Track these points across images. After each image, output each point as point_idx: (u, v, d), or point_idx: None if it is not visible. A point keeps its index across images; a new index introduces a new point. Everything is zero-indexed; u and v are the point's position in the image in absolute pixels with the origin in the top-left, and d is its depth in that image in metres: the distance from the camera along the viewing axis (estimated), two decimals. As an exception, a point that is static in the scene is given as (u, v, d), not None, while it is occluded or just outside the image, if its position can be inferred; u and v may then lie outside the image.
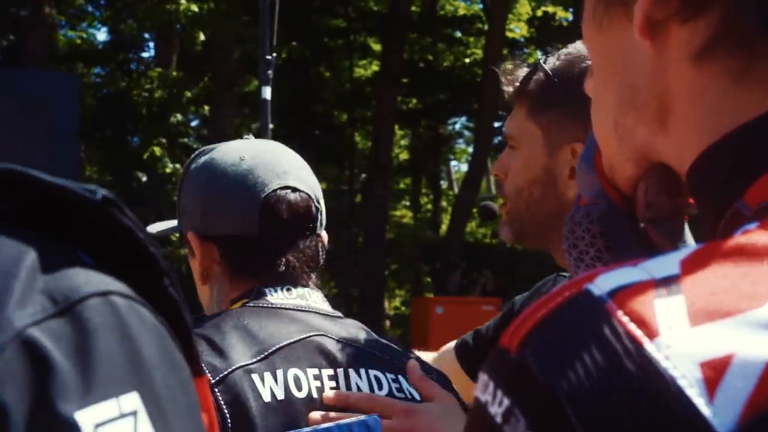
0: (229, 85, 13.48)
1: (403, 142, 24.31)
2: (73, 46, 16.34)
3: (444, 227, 20.81)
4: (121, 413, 0.54)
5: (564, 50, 1.57)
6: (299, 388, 1.44)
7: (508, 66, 1.64)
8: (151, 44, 16.14)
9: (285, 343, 1.47)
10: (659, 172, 0.71)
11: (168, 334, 0.60)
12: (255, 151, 1.63)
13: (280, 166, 1.63)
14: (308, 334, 1.50)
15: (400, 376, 1.54)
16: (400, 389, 1.52)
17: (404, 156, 23.94)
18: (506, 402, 0.54)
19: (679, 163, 0.69)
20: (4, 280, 0.54)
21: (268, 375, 1.41)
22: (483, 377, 0.56)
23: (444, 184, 25.56)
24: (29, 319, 0.53)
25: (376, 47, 18.70)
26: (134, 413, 0.55)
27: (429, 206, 23.77)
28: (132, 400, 0.55)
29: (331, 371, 1.48)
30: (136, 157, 13.66)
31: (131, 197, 13.75)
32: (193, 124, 17.33)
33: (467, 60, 18.98)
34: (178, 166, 14.03)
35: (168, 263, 0.62)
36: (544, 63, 1.56)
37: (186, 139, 14.89)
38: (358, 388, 1.49)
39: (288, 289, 1.55)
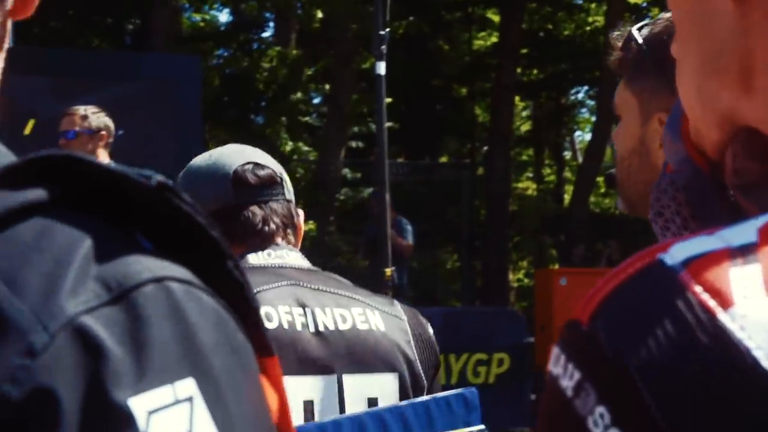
0: (346, 62, 13.56)
1: (524, 114, 24.10)
2: (196, 29, 16.65)
3: (567, 198, 20.58)
4: (176, 399, 0.53)
5: (662, 15, 1.53)
6: (269, 320, 1.74)
7: (617, 33, 1.62)
8: (271, 24, 16.36)
9: (258, 289, 1.75)
10: (746, 136, 0.69)
11: (230, 317, 0.59)
12: (220, 150, 1.97)
13: (243, 152, 1.95)
14: (282, 283, 1.80)
15: (366, 310, 1.83)
16: (365, 321, 1.82)
17: (526, 127, 23.73)
18: (577, 375, 0.54)
19: (766, 127, 0.67)
20: (57, 267, 0.53)
21: None
22: (555, 350, 0.56)
23: (567, 154, 25.26)
24: (82, 307, 0.53)
25: (495, 18, 18.53)
26: (190, 399, 0.54)
27: (552, 177, 23.53)
28: (188, 386, 0.54)
29: (300, 310, 1.78)
30: (258, 136, 13.88)
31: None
32: (315, 102, 17.51)
33: (588, 28, 18.66)
34: (300, 144, 14.22)
35: (229, 246, 0.60)
36: (641, 30, 1.53)
37: (307, 118, 15.07)
38: (324, 325, 1.78)
39: (268, 253, 1.85)
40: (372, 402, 1.80)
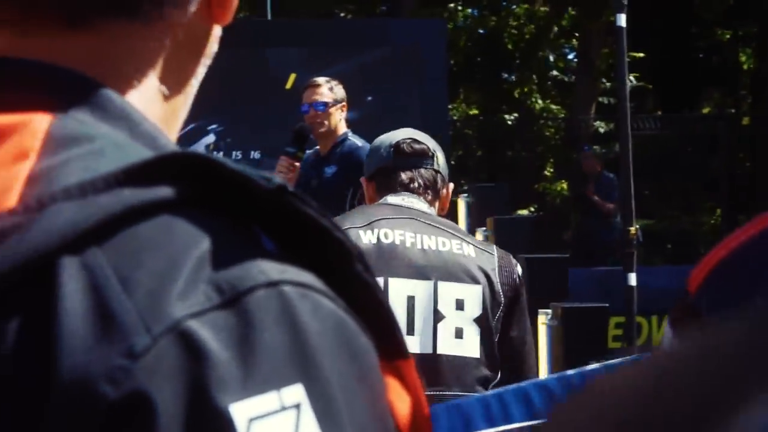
0: (596, 15, 13.30)
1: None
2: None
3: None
4: (282, 406, 0.52)
5: None
6: (386, 238, 2.45)
7: None
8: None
9: (382, 217, 2.49)
10: None
11: (352, 321, 0.57)
12: (396, 130, 2.72)
13: (409, 132, 2.69)
14: (403, 216, 2.49)
15: (463, 243, 2.48)
16: (460, 249, 2.45)
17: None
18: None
19: None
20: (170, 268, 0.53)
21: (368, 231, 2.45)
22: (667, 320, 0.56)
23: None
24: (189, 310, 0.52)
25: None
26: (297, 406, 0.52)
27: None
28: (295, 393, 0.52)
29: (412, 234, 2.45)
30: (509, 95, 13.89)
31: (501, 135, 14.02)
32: (569, 57, 17.26)
33: None
34: (549, 103, 14.10)
35: (357, 247, 0.59)
36: None
37: (556, 74, 14.91)
38: (429, 245, 2.45)
39: (402, 198, 2.55)
40: (459, 303, 2.45)
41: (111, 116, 0.61)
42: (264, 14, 9.82)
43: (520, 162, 13.28)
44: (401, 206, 2.52)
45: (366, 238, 2.45)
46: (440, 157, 2.64)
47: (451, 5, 14.45)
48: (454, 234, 2.52)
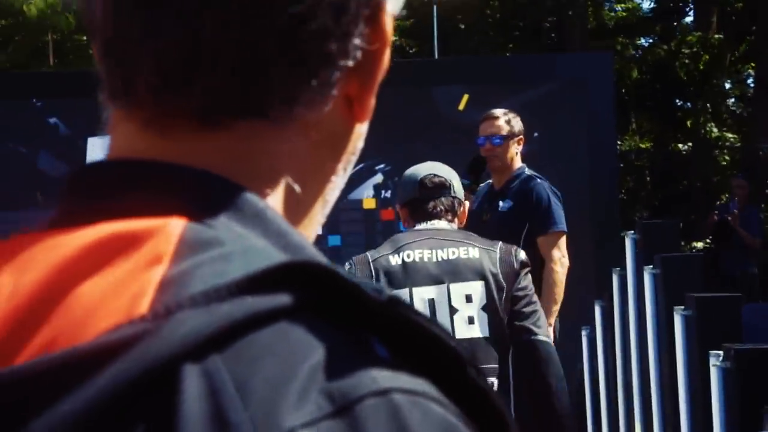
0: (773, 40, 12.86)
1: None
2: (619, 20, 16.56)
3: None
4: None
5: None
6: (409, 258, 3.31)
7: None
8: (691, 8, 15.89)
9: (406, 242, 3.34)
10: None
11: (463, 426, 0.57)
12: (420, 165, 3.58)
13: (431, 167, 3.53)
14: (424, 237, 3.34)
15: (470, 248, 3.35)
16: (466, 254, 3.34)
17: None
18: None
19: None
20: (285, 377, 0.54)
21: (395, 255, 3.31)
22: None
23: None
24: (300, 420, 0.53)
25: None
26: None
27: None
28: None
29: (429, 250, 3.32)
30: (682, 125, 13.58)
31: (675, 165, 13.69)
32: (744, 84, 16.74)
33: None
34: (725, 131, 13.71)
35: (470, 355, 0.60)
36: None
37: (732, 101, 14.49)
38: (441, 257, 3.32)
39: (426, 223, 3.41)
40: (468, 297, 3.29)
41: (245, 216, 0.62)
42: (431, 53, 9.94)
43: (694, 193, 12.95)
44: (423, 230, 3.41)
45: (394, 261, 3.36)
46: (455, 184, 3.53)
47: (621, 39, 14.26)
48: (463, 242, 3.38)
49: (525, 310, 3.35)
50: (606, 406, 5.95)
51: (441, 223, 3.42)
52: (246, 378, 0.54)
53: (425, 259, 3.33)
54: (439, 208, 3.44)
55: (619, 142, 13.07)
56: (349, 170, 0.73)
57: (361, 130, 0.72)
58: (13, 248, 0.62)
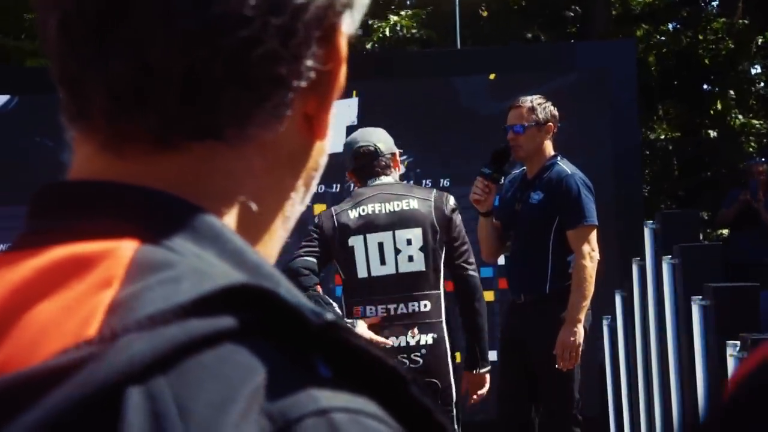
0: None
1: None
2: (645, 4, 16.44)
3: None
4: None
5: None
6: (364, 211, 4.31)
7: None
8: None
9: (361, 198, 4.34)
10: None
11: None
12: (353, 134, 4.58)
13: (360, 138, 4.47)
14: (374, 193, 4.34)
15: (410, 200, 4.33)
16: (408, 205, 4.32)
17: None
18: None
19: None
20: (227, 398, 0.55)
21: (353, 209, 4.33)
22: None
23: None
24: None
25: None
26: None
27: None
28: None
29: (380, 204, 4.30)
30: (706, 112, 13.50)
31: (703, 153, 13.60)
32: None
33: None
34: (751, 118, 13.61)
35: (411, 372, 0.61)
36: None
37: (761, 86, 14.37)
38: (390, 209, 4.32)
39: (376, 180, 4.40)
40: (408, 240, 4.30)
41: (201, 237, 0.63)
42: (453, 44, 9.94)
43: (721, 180, 12.88)
44: (375, 185, 4.37)
45: (352, 214, 4.33)
46: (381, 145, 4.43)
47: (645, 26, 14.18)
48: (405, 195, 4.36)
49: (460, 249, 4.38)
50: (627, 394, 5.97)
51: (386, 179, 4.41)
52: (188, 400, 0.55)
53: (377, 212, 4.34)
54: (376, 169, 4.40)
55: (645, 130, 13.03)
56: (313, 186, 0.75)
57: (322, 146, 0.74)
58: None
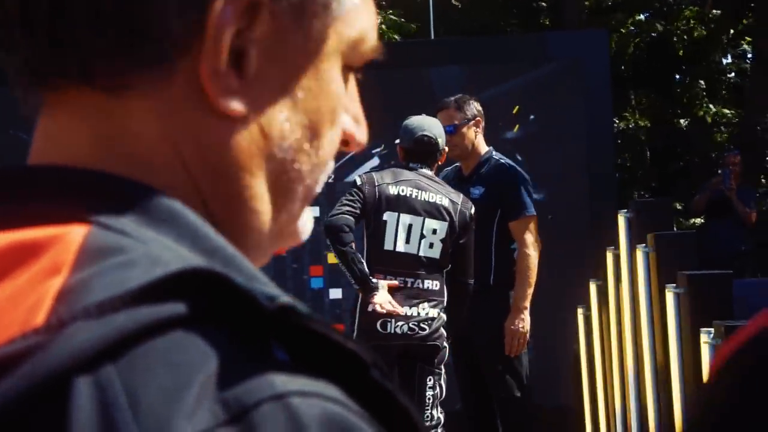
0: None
1: None
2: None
3: None
4: None
5: None
6: (403, 192, 4.94)
7: None
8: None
9: (402, 179, 4.97)
10: None
11: (365, 427, 0.57)
12: (420, 120, 5.13)
13: (428, 127, 5.07)
14: (412, 178, 4.99)
15: (443, 197, 4.99)
16: (441, 200, 4.99)
17: None
18: None
19: None
20: (179, 386, 0.53)
21: (393, 186, 4.94)
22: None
23: None
24: (194, 429, 0.52)
25: None
26: None
27: None
28: None
29: (417, 190, 4.95)
30: (680, 101, 13.57)
31: (676, 142, 13.68)
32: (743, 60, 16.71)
33: None
34: (723, 108, 13.69)
35: (372, 355, 0.59)
36: None
37: (731, 76, 14.47)
38: (423, 198, 4.95)
39: (418, 167, 5.05)
40: (434, 230, 4.91)
41: (156, 219, 0.61)
42: (428, 34, 9.93)
43: (693, 169, 12.96)
44: (415, 171, 4.97)
45: (392, 190, 4.91)
46: (440, 141, 5.01)
47: (619, 13, 14.23)
48: (439, 191, 4.97)
49: (466, 258, 5.02)
50: (602, 383, 5.99)
51: (425, 171, 5.00)
52: (138, 389, 0.53)
53: (413, 196, 4.92)
54: (427, 159, 4.99)
55: (617, 120, 13.08)
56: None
57: (275, 117, 0.68)
58: None
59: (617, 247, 5.46)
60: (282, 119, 0.68)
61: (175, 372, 0.54)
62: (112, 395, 0.53)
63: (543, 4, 14.00)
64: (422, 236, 4.92)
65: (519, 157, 7.17)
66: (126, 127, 0.65)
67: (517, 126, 7.78)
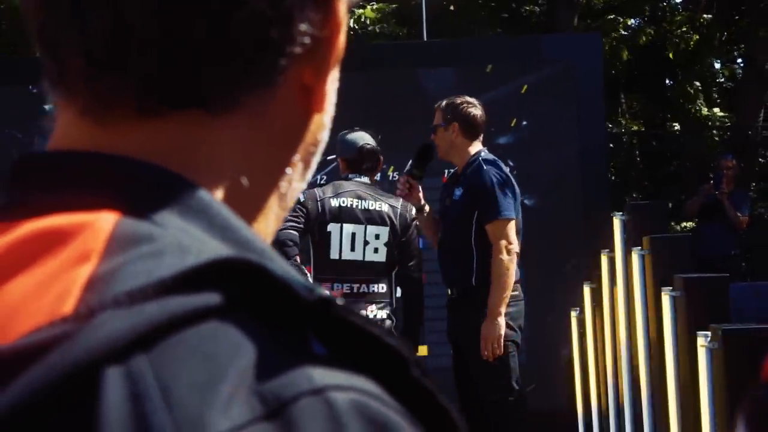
0: (764, 22, 12.85)
1: None
2: (605, 2, 16.51)
3: None
4: None
5: None
6: (344, 203, 5.23)
7: None
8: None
9: (343, 190, 5.28)
10: None
11: (405, 423, 0.55)
12: (356, 133, 5.41)
13: (367, 138, 5.39)
14: (353, 189, 5.29)
15: (382, 203, 5.30)
16: (380, 206, 5.30)
17: None
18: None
19: None
20: (214, 378, 0.52)
21: (335, 198, 5.24)
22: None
23: None
24: (230, 423, 0.50)
25: None
26: None
27: None
28: None
29: (357, 199, 5.23)
30: (672, 105, 13.57)
31: (668, 145, 13.69)
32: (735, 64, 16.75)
33: None
34: (716, 111, 13.70)
35: (413, 353, 0.57)
36: None
37: (722, 80, 14.48)
38: (364, 206, 5.24)
39: (358, 177, 5.35)
40: (377, 235, 5.23)
41: (187, 209, 0.60)
42: (420, 35, 9.90)
43: (685, 173, 12.96)
44: (356, 181, 5.26)
45: (334, 203, 5.18)
46: (378, 149, 5.39)
47: (611, 16, 14.23)
48: (378, 198, 5.26)
49: (411, 254, 5.33)
50: (595, 386, 5.96)
51: (365, 179, 5.31)
52: (171, 380, 0.51)
53: (354, 206, 5.22)
54: (365, 167, 5.32)
55: (609, 124, 13.06)
56: (313, 163, 0.70)
57: (323, 120, 0.69)
58: None
59: (612, 249, 5.44)
60: (325, 125, 0.70)
61: (209, 363, 0.52)
62: (144, 387, 0.51)
63: (536, 8, 13.99)
64: (366, 243, 5.22)
65: (511, 162, 7.13)
66: (210, 135, 0.64)
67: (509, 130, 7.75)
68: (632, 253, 4.91)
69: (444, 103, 5.42)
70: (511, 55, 8.22)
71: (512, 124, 7.70)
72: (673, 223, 12.52)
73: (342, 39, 0.68)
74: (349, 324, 0.56)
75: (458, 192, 5.32)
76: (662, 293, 4.39)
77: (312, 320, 0.56)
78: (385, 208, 5.28)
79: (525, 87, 7.83)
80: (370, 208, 5.24)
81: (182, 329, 0.53)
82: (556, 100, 7.79)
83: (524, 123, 7.80)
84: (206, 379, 0.52)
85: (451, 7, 13.38)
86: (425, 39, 9.76)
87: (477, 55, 8.19)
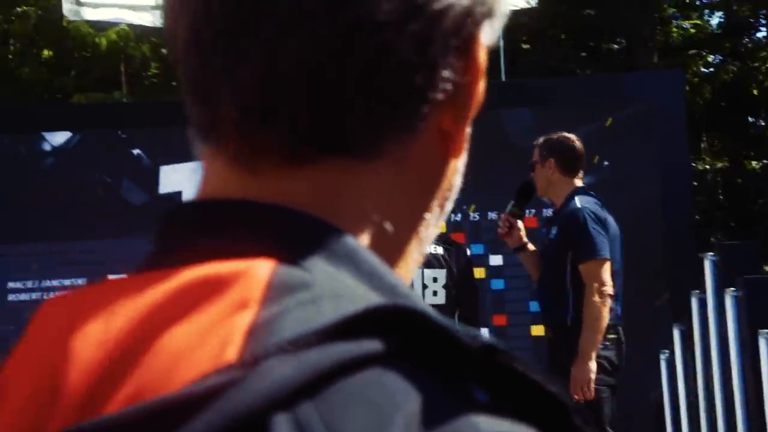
0: None
1: None
2: (687, 37, 16.36)
3: None
4: None
5: None
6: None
7: None
8: (763, 23, 15.63)
9: None
10: None
11: None
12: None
13: None
14: None
15: (438, 247, 5.42)
16: (435, 249, 5.41)
17: None
18: None
19: None
20: (378, 427, 0.52)
21: None
22: None
23: None
24: None
25: None
26: None
27: None
28: None
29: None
30: (754, 143, 13.34)
31: (748, 184, 13.44)
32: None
33: None
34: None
35: (572, 400, 0.56)
36: None
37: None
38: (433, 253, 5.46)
39: None
40: (434, 279, 5.37)
41: (336, 256, 0.60)
42: (498, 76, 9.88)
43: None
44: None
45: None
46: None
47: (692, 51, 14.07)
48: (434, 241, 5.29)
49: (470, 294, 5.51)
50: (688, 431, 5.82)
51: None
52: (339, 427, 0.51)
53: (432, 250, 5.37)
54: None
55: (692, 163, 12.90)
56: (448, 207, 0.71)
57: (458, 165, 0.70)
58: (104, 293, 0.61)
59: (702, 290, 5.31)
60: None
61: (375, 410, 0.52)
62: None
63: (615, 46, 13.90)
64: (424, 287, 5.35)
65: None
66: (355, 181, 0.65)
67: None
68: (725, 294, 4.79)
69: (542, 139, 5.34)
70: (593, 94, 8.15)
71: (594, 161, 7.61)
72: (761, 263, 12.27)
73: (482, 85, 0.68)
74: (513, 371, 0.55)
75: (554, 231, 5.24)
76: (759, 336, 4.27)
77: (475, 367, 0.55)
78: (440, 250, 5.39)
79: (610, 120, 7.74)
80: (435, 252, 5.35)
81: (346, 376, 0.53)
82: (638, 139, 7.70)
83: (605, 163, 7.71)
84: (373, 426, 0.51)
85: (529, 48, 13.36)
86: (503, 79, 9.74)
87: (559, 94, 8.14)
